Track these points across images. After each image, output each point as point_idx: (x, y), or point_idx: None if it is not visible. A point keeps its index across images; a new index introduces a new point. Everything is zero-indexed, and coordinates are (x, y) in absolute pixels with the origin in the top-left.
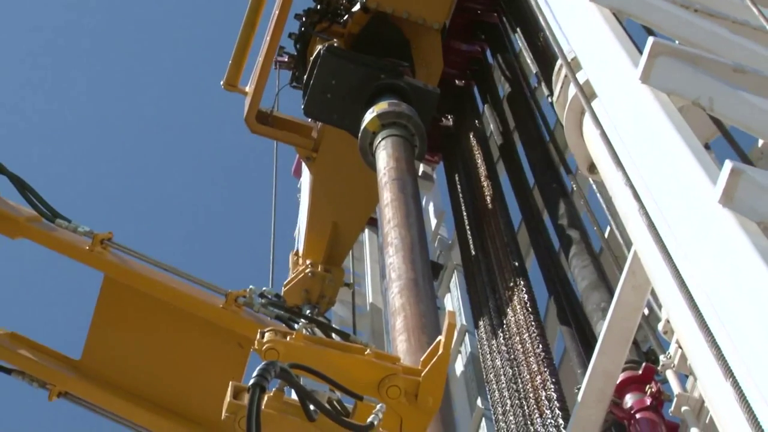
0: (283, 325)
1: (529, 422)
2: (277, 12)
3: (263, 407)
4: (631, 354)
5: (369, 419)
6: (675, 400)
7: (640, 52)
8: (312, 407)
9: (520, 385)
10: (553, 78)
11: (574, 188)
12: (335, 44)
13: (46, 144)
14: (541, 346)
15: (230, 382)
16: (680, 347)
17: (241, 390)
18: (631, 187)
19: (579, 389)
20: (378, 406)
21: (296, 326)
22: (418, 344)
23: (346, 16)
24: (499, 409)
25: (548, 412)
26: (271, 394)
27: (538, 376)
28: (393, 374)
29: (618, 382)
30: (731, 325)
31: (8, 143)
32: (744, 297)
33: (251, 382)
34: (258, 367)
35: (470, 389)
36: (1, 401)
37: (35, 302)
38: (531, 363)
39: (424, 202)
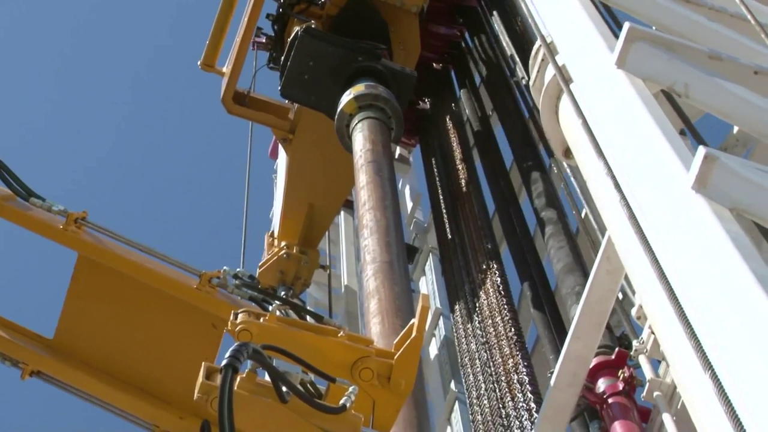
0: (257, 306)
1: (501, 406)
2: None
3: (236, 388)
4: (605, 339)
5: (341, 401)
6: (647, 385)
7: (617, 37)
8: (284, 389)
9: (493, 369)
10: (530, 62)
11: (555, 169)
12: (313, 26)
13: (20, 123)
14: (513, 329)
15: (203, 363)
16: (653, 333)
17: (214, 371)
18: (606, 172)
19: (552, 373)
20: (350, 388)
21: (270, 308)
22: (391, 327)
23: None
24: (474, 392)
25: (520, 395)
26: (244, 375)
27: (510, 360)
28: (366, 356)
29: (591, 366)
30: (703, 310)
31: None
32: (716, 283)
33: (223, 363)
34: (230, 348)
35: (444, 372)
36: None
37: (8, 281)
38: (503, 346)
39: (400, 185)
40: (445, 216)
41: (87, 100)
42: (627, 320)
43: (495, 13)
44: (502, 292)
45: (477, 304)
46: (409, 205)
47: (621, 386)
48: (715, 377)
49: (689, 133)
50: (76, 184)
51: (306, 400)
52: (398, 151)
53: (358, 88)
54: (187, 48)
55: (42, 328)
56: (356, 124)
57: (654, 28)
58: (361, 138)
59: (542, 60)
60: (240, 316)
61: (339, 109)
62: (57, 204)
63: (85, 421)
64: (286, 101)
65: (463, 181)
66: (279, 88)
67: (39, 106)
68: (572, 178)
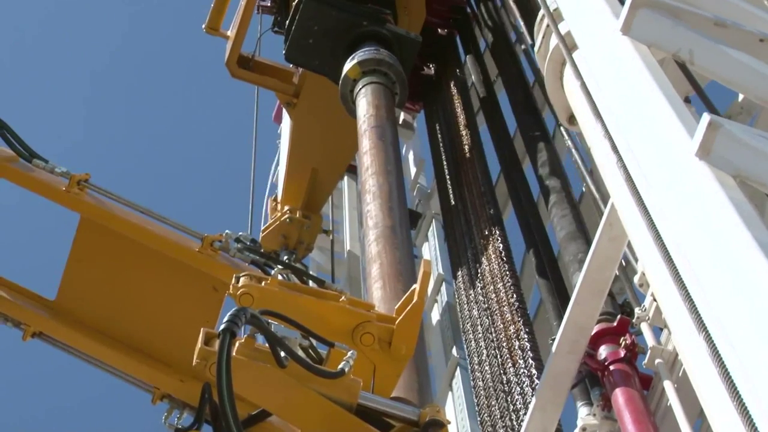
0: (259, 270)
1: (502, 372)
2: None
3: (234, 353)
4: (607, 306)
5: (340, 366)
6: (649, 352)
7: (622, 4)
8: (283, 354)
9: (495, 335)
10: (535, 28)
11: (565, 139)
12: None
13: (25, 85)
14: (515, 296)
15: (202, 329)
16: (655, 300)
17: (213, 336)
18: (609, 138)
19: (554, 340)
20: (349, 353)
21: (272, 272)
22: (393, 292)
23: None
24: (475, 358)
25: (521, 362)
26: (242, 340)
27: (512, 326)
28: (367, 321)
29: (593, 333)
30: (705, 278)
31: None
32: (718, 251)
33: (221, 328)
34: (228, 314)
35: (446, 338)
36: None
37: (11, 242)
38: (505, 313)
39: (404, 151)
40: (449, 182)
41: (90, 60)
42: (630, 287)
43: None
44: (504, 259)
45: (479, 270)
46: (413, 170)
47: (622, 353)
48: (714, 345)
49: (697, 100)
50: (77, 147)
51: (304, 364)
52: (402, 116)
53: (362, 53)
54: (193, 10)
55: (44, 289)
56: (360, 89)
57: None
58: (364, 103)
59: (547, 26)
60: (242, 279)
61: (343, 74)
62: (60, 166)
63: (86, 384)
64: (291, 65)
65: (466, 147)
66: (283, 52)
67: (41, 62)
68: (572, 149)
